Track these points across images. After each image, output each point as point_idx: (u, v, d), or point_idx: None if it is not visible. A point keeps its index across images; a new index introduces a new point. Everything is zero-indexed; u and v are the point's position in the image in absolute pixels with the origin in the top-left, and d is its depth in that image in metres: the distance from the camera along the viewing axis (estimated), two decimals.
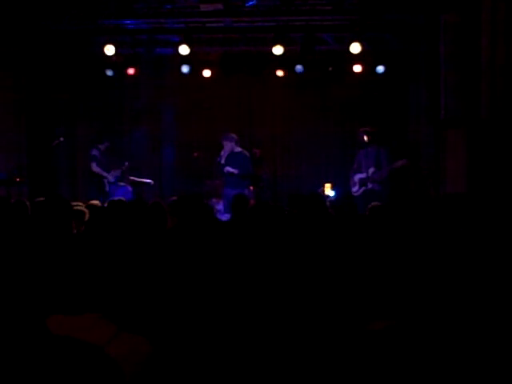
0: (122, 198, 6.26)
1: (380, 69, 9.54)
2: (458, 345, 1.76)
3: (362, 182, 8.99)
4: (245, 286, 2.82)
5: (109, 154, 9.67)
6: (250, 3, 8.39)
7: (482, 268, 2.29)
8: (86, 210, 5.18)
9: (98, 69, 9.85)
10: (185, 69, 9.60)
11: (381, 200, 6.96)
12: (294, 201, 5.70)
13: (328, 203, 6.31)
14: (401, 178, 9.15)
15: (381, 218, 4.99)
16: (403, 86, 9.71)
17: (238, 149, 9.03)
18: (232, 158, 8.91)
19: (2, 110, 8.88)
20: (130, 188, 9.61)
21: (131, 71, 9.87)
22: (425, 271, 2.28)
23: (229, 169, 8.85)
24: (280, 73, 9.98)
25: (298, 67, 9.55)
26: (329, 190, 9.26)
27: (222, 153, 8.96)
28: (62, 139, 9.33)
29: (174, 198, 5.85)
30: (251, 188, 9.17)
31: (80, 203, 5.71)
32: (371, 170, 8.90)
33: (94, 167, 9.45)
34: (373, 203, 6.01)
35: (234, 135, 9.05)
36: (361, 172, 9.05)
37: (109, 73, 9.86)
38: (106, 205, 6.14)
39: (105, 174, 9.46)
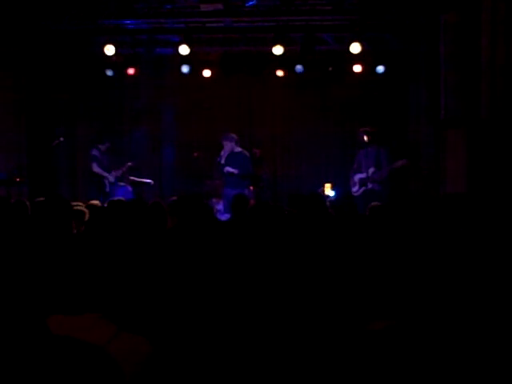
0: (122, 198, 6.26)
1: (380, 69, 9.54)
2: (457, 345, 1.76)
3: (362, 182, 8.99)
4: (245, 286, 2.82)
5: (109, 155, 9.67)
6: (250, 3, 8.39)
7: (482, 268, 2.29)
8: (86, 210, 5.18)
9: (98, 69, 9.85)
10: (185, 69, 9.60)
11: (381, 200, 6.96)
12: (294, 201, 5.70)
13: (328, 203, 6.31)
14: (401, 178, 9.15)
15: (381, 218, 4.99)
16: (403, 86, 9.71)
17: (238, 149, 9.03)
18: (232, 158, 8.91)
19: (2, 110, 8.88)
20: (129, 188, 9.61)
21: (131, 71, 9.87)
22: (425, 271, 2.28)
23: (229, 169, 8.85)
24: (280, 73, 9.98)
25: (298, 67, 9.55)
26: (329, 190, 9.26)
27: (222, 153, 8.97)
28: (61, 139, 9.33)
29: (174, 198, 5.85)
30: (251, 188, 9.17)
31: (80, 203, 5.71)
32: (371, 170, 8.90)
33: (95, 167, 9.46)
34: (373, 203, 6.01)
35: (233, 135, 9.05)
36: (361, 172, 9.05)
37: (109, 73, 9.86)
38: (106, 205, 6.14)
39: (105, 174, 9.46)
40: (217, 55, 9.98)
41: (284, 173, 10.71)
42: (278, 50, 8.85)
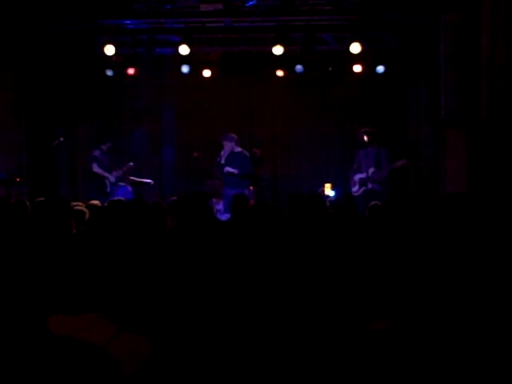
0: (122, 198, 6.26)
1: (380, 69, 9.53)
2: (457, 345, 1.76)
3: (362, 182, 8.99)
4: (245, 286, 2.82)
5: (111, 155, 9.68)
6: (250, 3, 8.38)
7: (482, 268, 2.30)
8: (86, 210, 5.18)
9: (98, 69, 9.85)
10: (185, 69, 9.60)
11: (381, 200, 6.96)
12: (294, 201, 5.70)
13: (328, 203, 6.30)
14: (401, 178, 9.15)
15: (381, 218, 4.99)
16: (403, 86, 9.71)
17: (238, 149, 9.03)
18: (232, 158, 8.91)
19: (2, 110, 8.89)
20: (130, 188, 9.61)
21: (131, 71, 9.87)
22: (425, 271, 2.28)
23: (229, 169, 8.85)
24: (280, 73, 9.98)
25: (298, 67, 9.55)
26: (329, 190, 9.26)
27: (222, 153, 8.97)
28: (61, 139, 9.33)
29: (174, 198, 5.85)
30: (251, 188, 9.17)
31: (80, 203, 5.71)
32: (371, 170, 8.90)
33: (95, 168, 9.46)
34: (372, 202, 6.02)
35: (233, 135, 9.05)
36: (361, 172, 9.05)
37: (109, 73, 9.86)
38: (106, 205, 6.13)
39: (106, 174, 9.46)
40: (217, 55, 9.97)
41: (284, 173, 10.71)
42: (277, 49, 8.85)
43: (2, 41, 8.60)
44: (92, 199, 6.89)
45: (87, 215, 5.06)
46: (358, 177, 9.09)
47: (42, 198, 4.48)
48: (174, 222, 4.46)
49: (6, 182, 8.18)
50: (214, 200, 8.92)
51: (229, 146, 8.94)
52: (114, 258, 2.08)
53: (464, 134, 7.69)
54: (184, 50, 8.96)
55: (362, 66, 9.47)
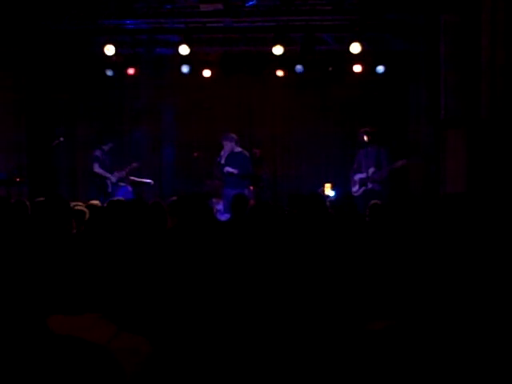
0: (122, 198, 6.26)
1: (380, 69, 9.53)
2: (457, 345, 1.76)
3: (362, 182, 8.99)
4: (245, 286, 2.82)
5: (112, 155, 9.68)
6: (250, 3, 8.38)
7: (482, 268, 2.29)
8: (86, 210, 5.18)
9: (98, 69, 9.85)
10: (185, 69, 9.60)
11: (381, 200, 6.96)
12: (294, 201, 5.70)
13: (328, 203, 6.30)
14: (401, 178, 9.15)
15: (381, 219, 4.99)
16: (403, 86, 9.70)
17: (238, 149, 9.04)
18: (232, 158, 8.91)
19: (2, 110, 8.89)
20: (130, 188, 9.61)
21: (131, 71, 9.87)
22: (424, 271, 2.28)
23: (229, 169, 8.85)
24: (280, 73, 9.98)
25: (298, 67, 9.54)
26: (329, 190, 9.26)
27: (222, 153, 8.97)
28: (61, 139, 9.33)
29: (174, 198, 5.85)
30: (251, 188, 9.18)
31: (80, 203, 5.71)
32: (371, 170, 8.90)
33: (96, 168, 9.46)
34: (372, 201, 6.02)
35: (233, 135, 9.05)
36: (361, 172, 9.06)
37: (109, 73, 9.86)
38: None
39: (107, 174, 9.46)
40: (217, 55, 9.97)
41: (284, 173, 10.71)
42: (277, 49, 8.85)
43: (2, 41, 8.60)
44: (92, 199, 6.90)
45: (87, 215, 5.06)
46: (358, 177, 9.10)
47: (42, 198, 4.48)
48: (174, 222, 4.46)
49: (6, 182, 8.18)
50: (214, 200, 8.92)
51: (229, 146, 8.95)
52: (114, 258, 2.08)
53: (464, 134, 7.69)
54: (184, 49, 8.96)
55: (362, 66, 9.47)
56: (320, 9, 8.50)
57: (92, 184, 9.64)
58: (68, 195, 9.07)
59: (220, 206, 8.83)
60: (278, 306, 2.64)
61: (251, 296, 2.73)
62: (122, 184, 9.57)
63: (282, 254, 3.21)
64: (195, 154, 9.83)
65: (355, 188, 9.09)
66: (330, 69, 9.88)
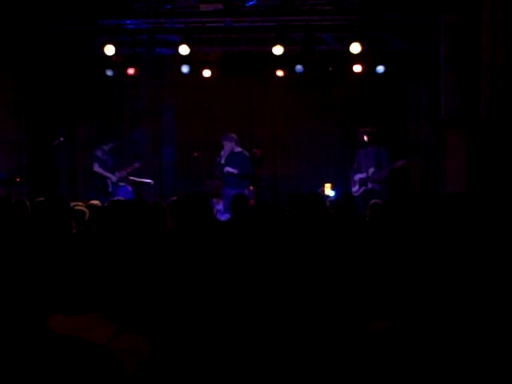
0: (122, 198, 6.26)
1: (380, 69, 9.53)
2: (457, 345, 1.76)
3: (362, 182, 9.00)
4: (245, 286, 2.82)
5: (113, 155, 9.68)
6: (250, 3, 8.38)
7: (482, 268, 2.29)
8: (86, 210, 5.18)
9: (98, 69, 9.85)
10: (185, 69, 9.60)
11: (381, 200, 6.96)
12: (294, 201, 5.70)
13: (328, 203, 6.30)
14: (401, 178, 9.15)
15: (381, 219, 4.99)
16: (403, 86, 9.70)
17: (238, 149, 9.04)
18: (232, 158, 8.91)
19: (2, 110, 8.89)
20: (129, 188, 9.61)
21: (131, 71, 9.87)
22: (424, 271, 2.28)
23: (229, 169, 8.85)
24: (280, 73, 9.98)
25: (298, 67, 9.54)
26: (329, 190, 9.26)
27: (222, 153, 8.97)
28: (61, 139, 9.33)
29: (174, 198, 5.85)
30: (251, 188, 9.18)
31: (80, 203, 5.71)
32: (371, 170, 8.90)
33: (96, 168, 9.46)
34: (373, 200, 6.02)
35: (233, 135, 9.05)
36: (361, 172, 9.06)
37: (109, 73, 9.86)
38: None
39: (108, 174, 9.45)
40: (217, 55, 9.97)
41: (284, 173, 10.71)
42: (277, 49, 8.85)
43: (2, 41, 8.60)
44: (92, 199, 6.90)
45: (87, 215, 5.07)
46: (358, 177, 9.10)
47: (42, 198, 4.48)
48: (174, 222, 4.46)
49: (6, 182, 8.18)
50: (214, 200, 8.92)
51: (229, 146, 8.95)
52: (114, 258, 2.08)
53: (464, 134, 7.69)
54: (184, 49, 8.96)
55: (362, 66, 9.47)
56: (320, 9, 8.50)
57: (92, 184, 9.64)
58: (68, 195, 9.07)
59: (220, 206, 8.84)
60: (278, 306, 2.64)
61: (251, 296, 2.73)
62: (121, 184, 9.57)
63: (282, 254, 3.21)
64: (195, 154, 9.83)
65: (355, 188, 9.09)
66: (330, 69, 9.88)
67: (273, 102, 10.72)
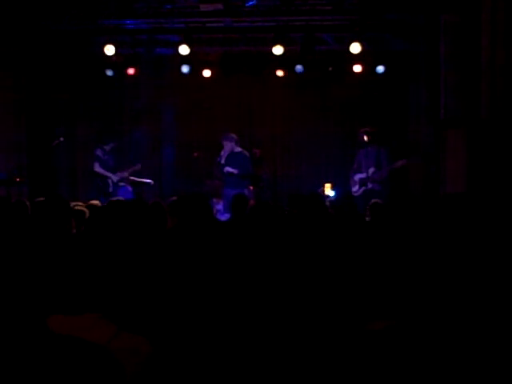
0: (121, 198, 6.26)
1: (380, 69, 9.53)
2: (457, 345, 1.76)
3: (362, 182, 9.00)
4: (245, 286, 2.82)
5: (115, 155, 9.68)
6: (250, 3, 8.38)
7: (482, 268, 2.29)
8: (86, 210, 5.18)
9: (98, 69, 9.85)
10: (185, 69, 9.60)
11: (381, 200, 6.96)
12: (294, 201, 5.70)
13: (328, 203, 6.31)
14: (401, 178, 9.16)
15: (381, 219, 4.99)
16: (403, 86, 9.70)
17: (238, 149, 9.04)
18: (232, 158, 8.92)
19: (2, 110, 8.88)
20: (129, 188, 9.61)
21: (131, 71, 9.87)
22: (424, 271, 2.28)
23: (229, 169, 8.85)
24: (280, 73, 9.97)
25: (298, 67, 9.54)
26: (329, 190, 9.26)
27: (222, 153, 8.97)
28: (61, 139, 9.33)
29: (174, 198, 5.85)
30: (251, 188, 9.18)
31: (80, 203, 5.71)
32: (371, 170, 8.90)
33: (97, 167, 9.46)
34: (373, 200, 6.02)
35: (233, 135, 9.05)
36: (361, 172, 9.06)
37: (109, 73, 9.86)
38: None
39: (108, 174, 9.45)
40: (217, 55, 9.97)
41: (284, 173, 10.71)
42: (277, 49, 8.85)
43: (2, 41, 8.60)
44: (92, 199, 6.89)
45: (87, 215, 5.06)
46: (358, 177, 9.10)
47: (42, 198, 4.48)
48: (174, 222, 4.46)
49: (6, 182, 8.17)
50: (214, 200, 8.92)
51: (229, 146, 8.95)
52: (114, 258, 2.08)
53: (464, 134, 7.69)
54: (184, 49, 8.96)
55: (362, 66, 9.47)
56: (320, 9, 8.50)
57: (93, 184, 9.64)
58: (68, 195, 9.07)
59: (220, 206, 8.84)
60: (278, 306, 2.64)
61: (251, 296, 2.73)
62: (121, 184, 9.57)
63: (282, 254, 3.21)
64: (195, 154, 9.83)
65: (355, 188, 9.09)
66: (330, 69, 9.88)
67: (273, 102, 10.72)
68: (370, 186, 8.88)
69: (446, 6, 7.87)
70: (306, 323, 2.53)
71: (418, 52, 8.96)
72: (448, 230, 3.14)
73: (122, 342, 1.90)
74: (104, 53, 9.07)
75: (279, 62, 9.60)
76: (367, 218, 5.62)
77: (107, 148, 9.52)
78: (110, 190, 9.39)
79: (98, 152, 9.49)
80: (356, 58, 9.23)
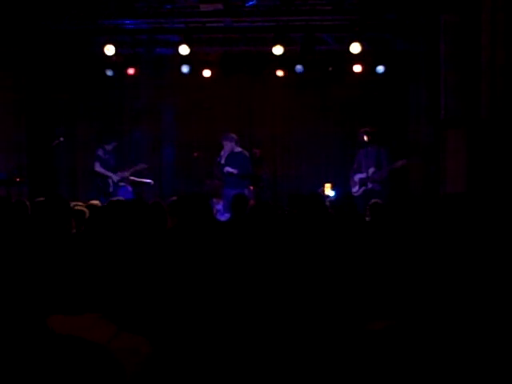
0: (121, 198, 6.26)
1: (380, 69, 9.53)
2: (457, 345, 1.76)
3: (362, 182, 9.00)
4: (245, 286, 2.82)
5: (116, 154, 9.67)
6: (250, 3, 8.38)
7: (482, 268, 2.29)
8: (86, 210, 5.18)
9: (98, 69, 9.85)
10: (185, 69, 9.60)
11: (381, 200, 6.96)
12: (294, 201, 5.70)
13: (328, 203, 6.31)
14: (401, 178, 9.16)
15: (380, 219, 4.99)
16: (403, 86, 9.70)
17: (238, 149, 9.04)
18: (232, 158, 8.91)
19: (2, 110, 8.88)
20: (129, 188, 9.61)
21: (131, 71, 9.87)
22: (424, 271, 2.28)
23: (229, 169, 8.85)
24: (280, 73, 9.97)
25: (298, 67, 9.54)
26: (329, 190, 9.26)
27: (222, 153, 8.97)
28: (61, 139, 9.33)
29: (174, 198, 5.85)
30: (251, 188, 9.18)
31: (80, 203, 5.71)
32: (371, 170, 8.90)
33: (97, 167, 9.45)
34: (373, 200, 6.02)
35: (233, 135, 9.05)
36: (361, 172, 9.06)
37: (109, 73, 9.86)
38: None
39: (109, 173, 9.45)
40: (217, 55, 9.97)
41: (284, 173, 10.71)
42: (277, 49, 8.85)
43: (2, 41, 8.60)
44: (92, 199, 6.89)
45: (87, 215, 5.06)
46: (358, 177, 9.10)
47: (42, 198, 4.48)
48: (174, 222, 4.46)
49: (6, 182, 8.17)
50: (214, 200, 8.92)
51: (229, 146, 8.95)
52: (114, 257, 2.08)
53: (464, 134, 7.69)
54: (184, 49, 8.96)
55: (362, 66, 9.47)
56: (320, 9, 8.50)
57: (93, 184, 9.64)
58: (68, 195, 9.06)
59: (220, 206, 8.84)
60: (278, 306, 2.64)
61: (251, 296, 2.73)
62: (122, 184, 9.56)
63: (282, 254, 3.21)
64: (195, 154, 9.83)
65: (355, 188, 9.09)
66: (330, 69, 9.88)
67: (273, 102, 10.72)
68: (370, 186, 8.88)
69: (445, 6, 7.87)
70: (306, 323, 2.53)
71: (418, 52, 8.96)
72: (448, 230, 3.14)
73: (122, 341, 1.90)
74: (104, 53, 9.07)
75: (279, 61, 9.60)
76: (367, 218, 5.62)
77: (108, 147, 9.52)
78: (111, 189, 9.38)
79: (99, 152, 9.49)
80: (356, 58, 9.23)
